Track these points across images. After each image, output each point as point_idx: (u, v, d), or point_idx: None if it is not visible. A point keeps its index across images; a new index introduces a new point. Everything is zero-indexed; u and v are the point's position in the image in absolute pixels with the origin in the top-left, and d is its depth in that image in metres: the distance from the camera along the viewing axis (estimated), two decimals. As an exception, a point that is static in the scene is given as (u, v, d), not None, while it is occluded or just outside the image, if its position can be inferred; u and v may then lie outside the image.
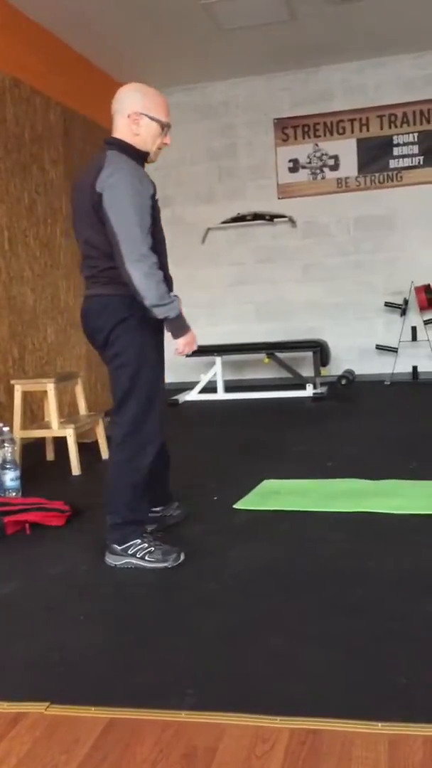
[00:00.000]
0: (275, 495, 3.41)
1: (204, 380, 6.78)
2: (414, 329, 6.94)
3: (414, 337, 6.95)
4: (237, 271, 7.44)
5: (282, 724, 1.61)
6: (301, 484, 3.58)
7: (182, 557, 2.62)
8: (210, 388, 6.79)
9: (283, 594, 2.33)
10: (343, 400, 6.19)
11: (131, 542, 2.62)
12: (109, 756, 1.56)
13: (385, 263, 7.10)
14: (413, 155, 7.00)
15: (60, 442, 4.44)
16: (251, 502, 3.31)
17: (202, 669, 1.88)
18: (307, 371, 6.91)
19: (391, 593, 2.27)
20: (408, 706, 1.66)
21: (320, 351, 6.55)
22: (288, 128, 7.24)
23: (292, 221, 7.23)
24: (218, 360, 6.77)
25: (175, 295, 2.61)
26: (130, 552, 2.62)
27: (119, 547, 2.63)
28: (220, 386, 6.77)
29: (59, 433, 4.23)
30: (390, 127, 7.01)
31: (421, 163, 6.97)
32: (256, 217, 7.28)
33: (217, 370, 6.77)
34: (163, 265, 2.61)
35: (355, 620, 2.10)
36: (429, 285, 6.80)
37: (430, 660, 1.86)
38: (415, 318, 6.96)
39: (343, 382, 6.41)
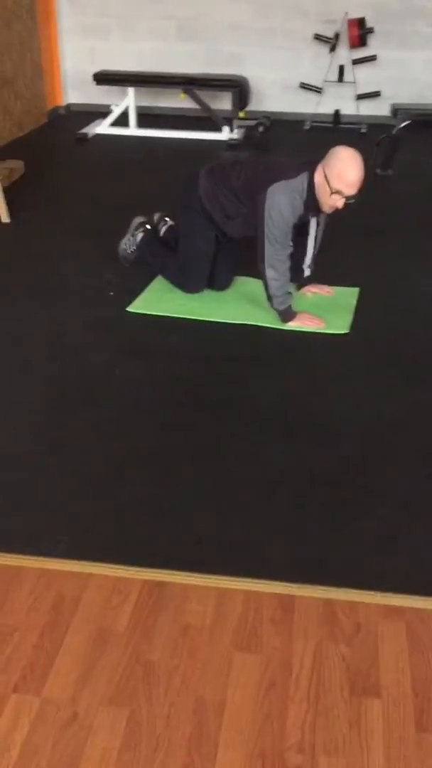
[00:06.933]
0: (169, 294, 3.54)
1: (116, 111, 6.37)
2: (341, 69, 6.53)
3: (340, 78, 6.58)
4: (158, -22, 6.59)
5: (137, 575, 1.99)
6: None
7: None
8: (122, 119, 6.40)
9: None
10: (258, 148, 6.02)
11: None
12: (-7, 600, 1.92)
13: (321, -15, 6.41)
14: None
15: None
16: (146, 302, 3.46)
17: (75, 514, 2.22)
18: (225, 106, 6.54)
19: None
20: (240, 562, 2.05)
21: (240, 91, 6.16)
22: None
23: None
24: (131, 91, 6.30)
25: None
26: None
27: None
28: (132, 120, 6.40)
29: None
30: None
31: None
32: None
33: (129, 103, 6.34)
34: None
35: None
36: (363, 19, 6.26)
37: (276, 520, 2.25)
38: (344, 55, 6.51)
39: (261, 129, 6.16)
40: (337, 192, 3.03)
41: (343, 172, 3.00)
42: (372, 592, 1.95)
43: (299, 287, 3.54)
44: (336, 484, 2.37)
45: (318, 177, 3.07)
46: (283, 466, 2.45)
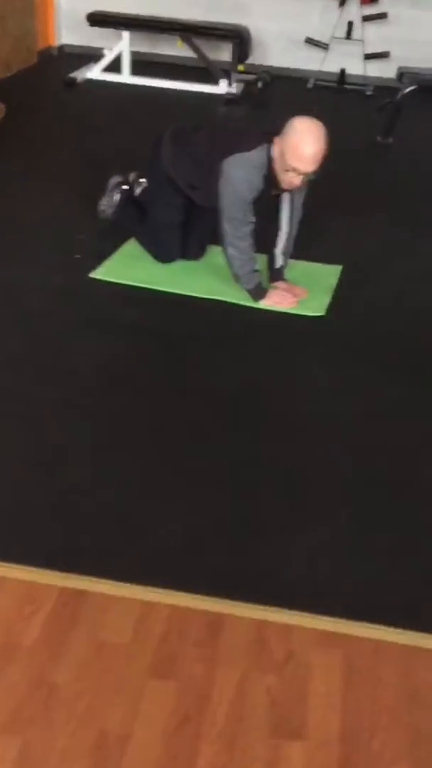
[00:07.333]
0: (137, 261, 3.31)
1: (109, 56, 6.02)
2: (350, 25, 6.17)
3: (348, 35, 6.21)
4: None
5: (55, 582, 1.81)
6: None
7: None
8: (115, 65, 6.05)
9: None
10: (257, 107, 5.71)
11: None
12: None
13: None
14: None
15: None
16: (112, 269, 3.23)
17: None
18: (225, 58, 6.18)
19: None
20: (166, 573, 1.87)
21: (240, 42, 5.82)
22: None
23: None
24: (126, 35, 5.95)
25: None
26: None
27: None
28: (125, 66, 6.06)
29: None
30: None
31: None
32: None
33: (124, 48, 5.99)
34: None
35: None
36: (377, -28, 5.89)
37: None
38: (353, 11, 6.13)
39: (260, 84, 5.83)
40: (293, 169, 2.75)
41: (297, 147, 2.71)
42: (309, 615, 1.79)
43: (270, 280, 3.13)
44: (290, 485, 2.19)
45: (276, 150, 2.79)
46: (234, 461, 2.27)
